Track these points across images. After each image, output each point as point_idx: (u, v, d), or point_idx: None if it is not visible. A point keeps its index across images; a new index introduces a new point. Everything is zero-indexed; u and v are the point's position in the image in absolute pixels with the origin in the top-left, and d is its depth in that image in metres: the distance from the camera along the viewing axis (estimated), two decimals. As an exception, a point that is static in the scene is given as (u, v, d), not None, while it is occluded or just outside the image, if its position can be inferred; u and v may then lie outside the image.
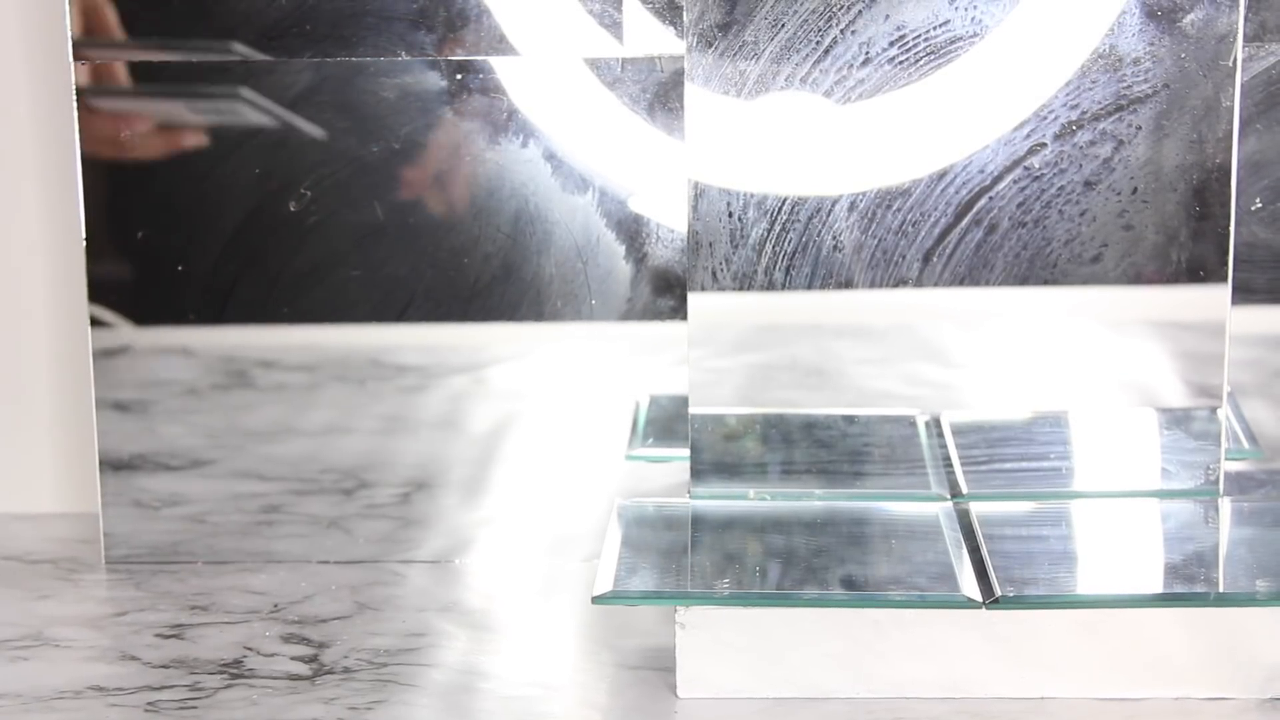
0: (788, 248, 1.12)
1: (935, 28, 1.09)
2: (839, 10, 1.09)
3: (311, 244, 1.22)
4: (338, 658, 1.07)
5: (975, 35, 1.09)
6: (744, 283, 1.12)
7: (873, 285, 1.12)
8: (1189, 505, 1.11)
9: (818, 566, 1.03)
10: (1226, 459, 1.13)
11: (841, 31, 1.10)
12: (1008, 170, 1.11)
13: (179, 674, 1.05)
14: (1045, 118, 1.10)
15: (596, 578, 1.02)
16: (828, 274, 1.12)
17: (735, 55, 1.10)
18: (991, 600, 0.99)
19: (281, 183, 1.21)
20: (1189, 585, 1.00)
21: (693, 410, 1.14)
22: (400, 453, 1.26)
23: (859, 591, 1.00)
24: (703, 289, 1.12)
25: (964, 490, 1.13)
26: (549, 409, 1.24)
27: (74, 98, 1.20)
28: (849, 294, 1.12)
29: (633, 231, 1.20)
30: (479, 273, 1.22)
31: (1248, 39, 1.15)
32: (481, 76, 1.19)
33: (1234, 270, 1.11)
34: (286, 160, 1.21)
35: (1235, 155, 1.09)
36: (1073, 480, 1.14)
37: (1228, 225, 1.10)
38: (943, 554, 1.04)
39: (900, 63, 1.10)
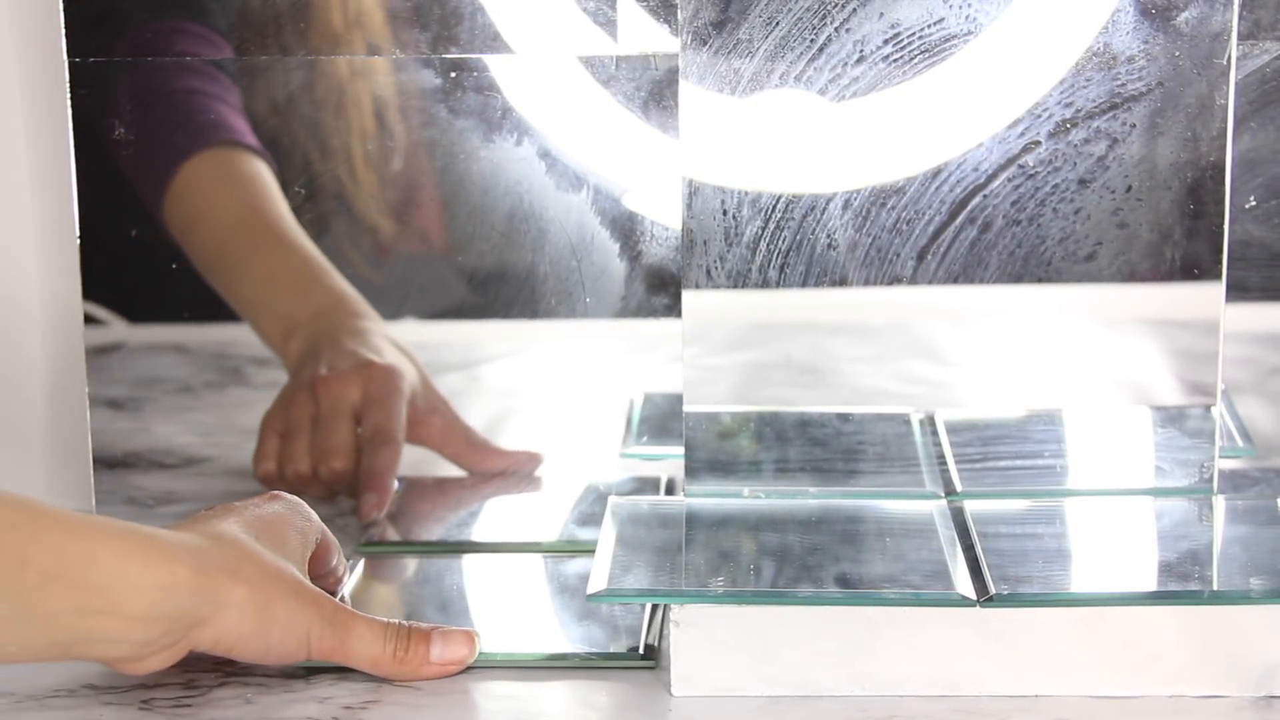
0: (782, 245, 1.12)
1: (929, 26, 1.09)
2: (833, 8, 1.09)
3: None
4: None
5: (970, 33, 1.09)
6: (738, 281, 1.12)
7: (867, 283, 1.12)
8: (1183, 503, 1.11)
9: (812, 565, 1.03)
10: (1221, 457, 1.13)
11: (836, 29, 1.10)
12: (1002, 168, 1.11)
13: (173, 672, 1.05)
14: (1040, 116, 1.10)
15: (591, 575, 1.02)
16: (822, 272, 1.12)
17: (730, 53, 1.10)
18: (986, 598, 0.99)
19: (275, 181, 1.21)
20: (1183, 583, 1.00)
21: (687, 408, 1.14)
22: (394, 450, 1.26)
23: (853, 590, 1.00)
24: (697, 287, 1.12)
25: (958, 488, 1.13)
26: (543, 406, 1.24)
27: (68, 95, 1.20)
28: (843, 292, 1.12)
29: (627, 229, 1.21)
30: (473, 270, 1.22)
31: (1242, 37, 1.15)
32: (475, 75, 1.19)
33: (1228, 268, 1.11)
34: (280, 158, 1.21)
35: (1229, 153, 1.09)
36: (1067, 478, 1.14)
37: (1222, 223, 1.10)
38: (937, 552, 1.04)
39: (894, 61, 1.10)
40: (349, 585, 1.11)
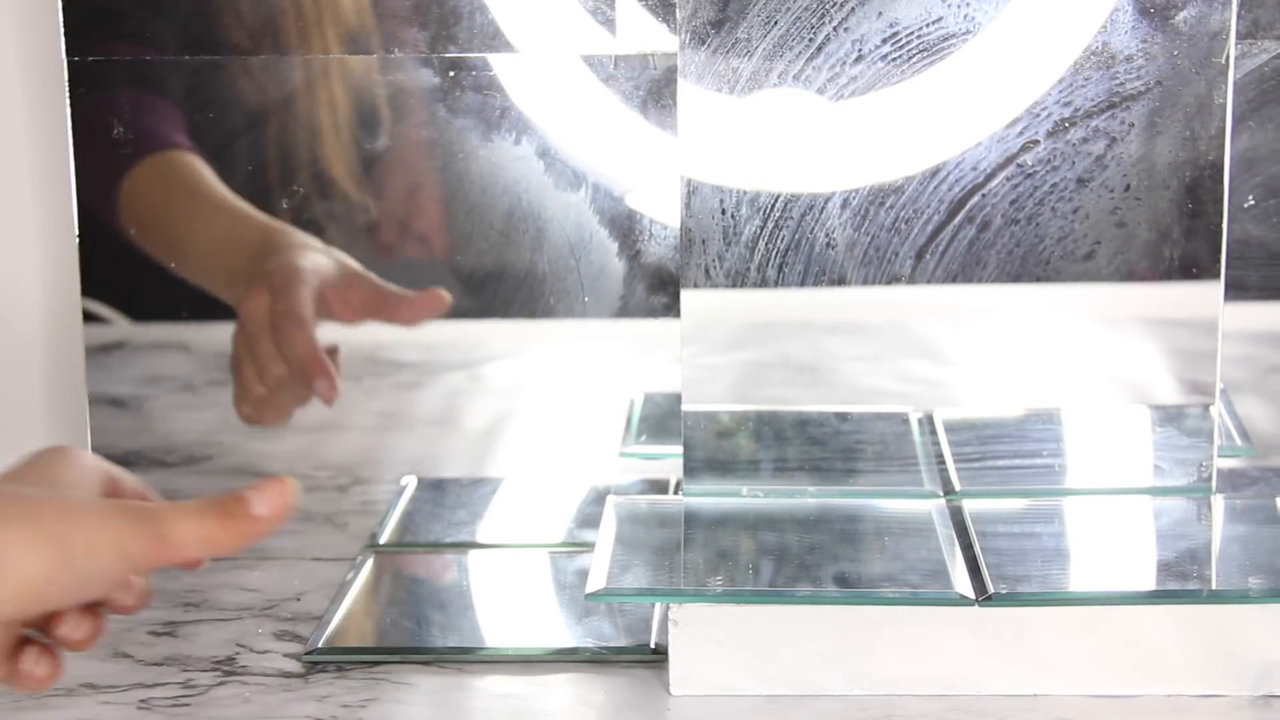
0: (780, 245, 1.12)
1: (928, 25, 1.09)
2: (832, 7, 1.09)
3: (305, 241, 1.22)
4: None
5: (968, 32, 1.09)
6: (737, 280, 1.12)
7: (865, 282, 1.12)
8: (1182, 502, 1.11)
9: (810, 564, 1.03)
10: (1219, 456, 1.13)
11: (834, 29, 1.10)
12: (1000, 167, 1.11)
13: (171, 671, 1.05)
14: (1038, 115, 1.10)
15: (590, 574, 1.03)
16: (820, 271, 1.12)
17: (728, 52, 1.10)
18: (984, 597, 0.99)
19: (275, 180, 1.21)
20: (1182, 582, 1.00)
21: (685, 407, 1.14)
22: (396, 449, 1.26)
23: (852, 589, 1.00)
24: (695, 286, 1.12)
25: (957, 487, 1.13)
26: (544, 406, 1.24)
27: (67, 94, 1.20)
28: (842, 291, 1.12)
29: (625, 229, 1.21)
30: (472, 270, 1.22)
31: (1240, 36, 1.14)
32: (474, 74, 1.19)
33: (1226, 267, 1.11)
34: (279, 157, 1.21)
35: (1228, 152, 1.09)
36: (1065, 477, 1.14)
37: (1220, 222, 1.10)
38: (935, 551, 1.04)
39: (893, 60, 1.10)
40: (358, 582, 1.12)
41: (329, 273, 1.22)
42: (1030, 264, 1.12)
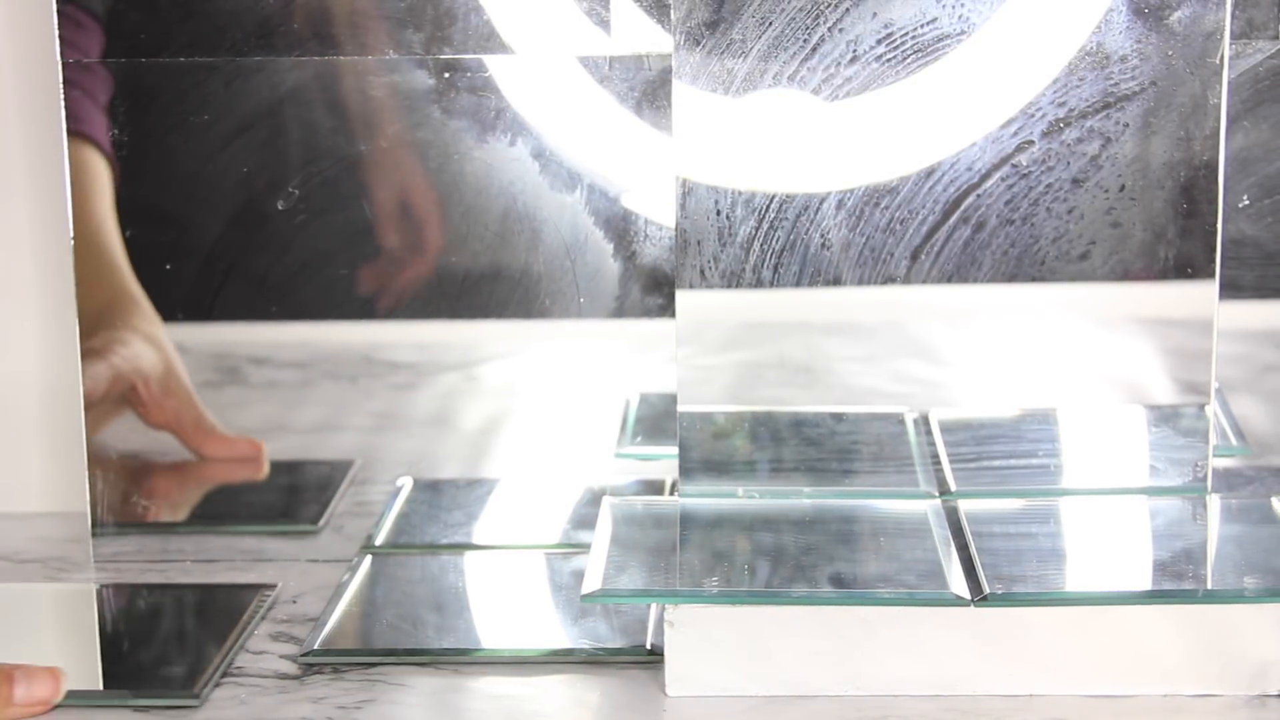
0: (776, 245, 1.12)
1: (923, 25, 1.09)
2: (826, 8, 1.09)
3: (300, 242, 1.22)
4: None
5: (963, 33, 1.10)
6: (732, 280, 1.12)
7: (861, 283, 1.12)
8: (1177, 502, 1.11)
9: (806, 564, 1.03)
10: (1214, 455, 1.13)
11: (829, 29, 1.10)
12: (996, 168, 1.11)
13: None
14: (1033, 115, 1.10)
15: (585, 575, 1.03)
16: (816, 272, 1.12)
17: (723, 53, 1.10)
18: (980, 598, 0.99)
19: (269, 181, 1.21)
20: (1177, 582, 1.00)
21: (681, 408, 1.14)
22: (392, 450, 1.26)
23: (848, 589, 1.00)
24: (691, 287, 1.12)
25: (952, 488, 1.13)
26: (540, 406, 1.24)
27: (61, 97, 1.20)
28: (837, 291, 1.13)
29: (621, 230, 1.21)
30: (468, 271, 1.22)
31: (1235, 36, 1.15)
32: (469, 75, 1.19)
33: (1221, 267, 1.11)
34: (274, 159, 1.21)
35: (1223, 152, 1.10)
36: (1061, 477, 1.14)
37: (1215, 222, 1.10)
38: (931, 552, 1.04)
39: (888, 60, 1.10)
40: (354, 583, 1.12)
41: (152, 375, 1.22)
42: (1025, 264, 1.12)
